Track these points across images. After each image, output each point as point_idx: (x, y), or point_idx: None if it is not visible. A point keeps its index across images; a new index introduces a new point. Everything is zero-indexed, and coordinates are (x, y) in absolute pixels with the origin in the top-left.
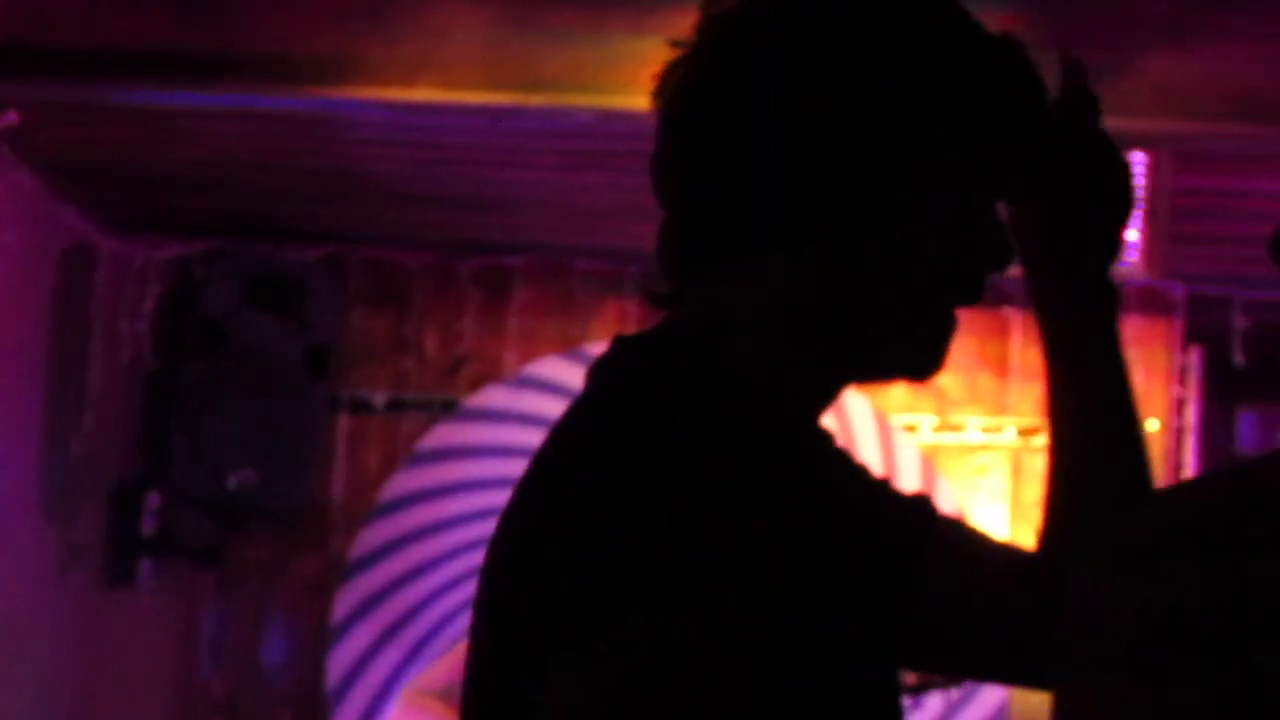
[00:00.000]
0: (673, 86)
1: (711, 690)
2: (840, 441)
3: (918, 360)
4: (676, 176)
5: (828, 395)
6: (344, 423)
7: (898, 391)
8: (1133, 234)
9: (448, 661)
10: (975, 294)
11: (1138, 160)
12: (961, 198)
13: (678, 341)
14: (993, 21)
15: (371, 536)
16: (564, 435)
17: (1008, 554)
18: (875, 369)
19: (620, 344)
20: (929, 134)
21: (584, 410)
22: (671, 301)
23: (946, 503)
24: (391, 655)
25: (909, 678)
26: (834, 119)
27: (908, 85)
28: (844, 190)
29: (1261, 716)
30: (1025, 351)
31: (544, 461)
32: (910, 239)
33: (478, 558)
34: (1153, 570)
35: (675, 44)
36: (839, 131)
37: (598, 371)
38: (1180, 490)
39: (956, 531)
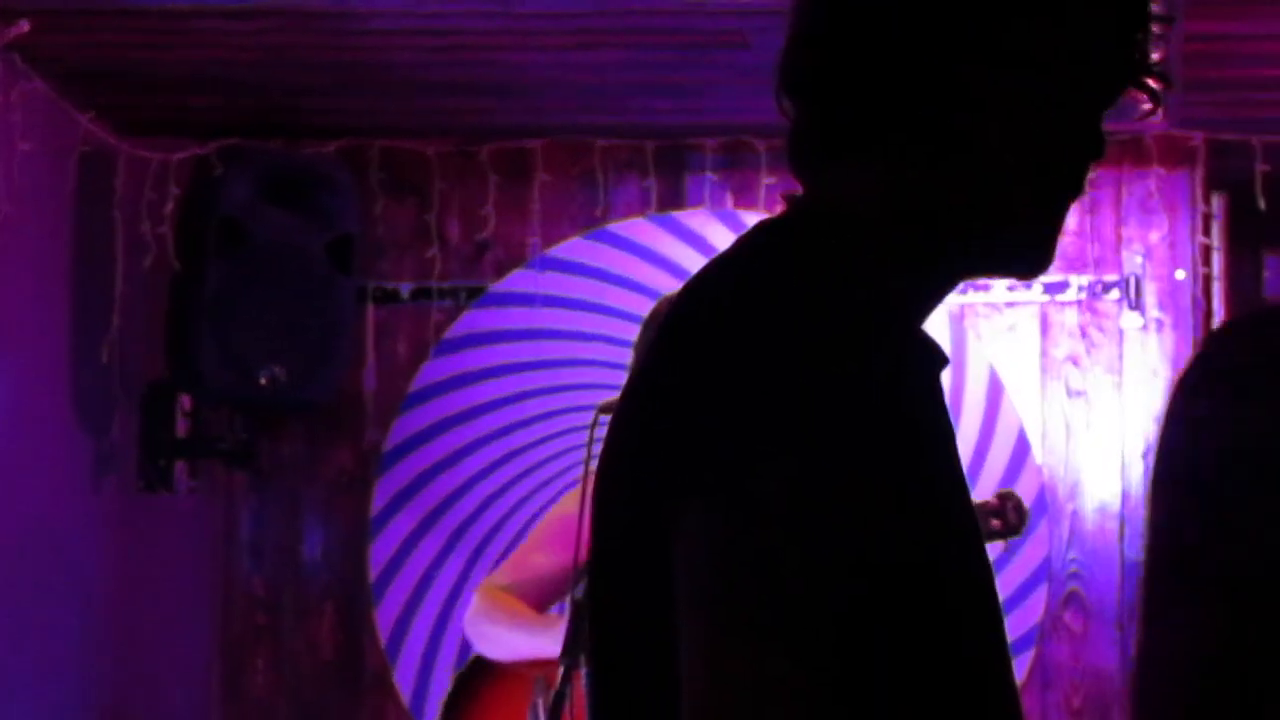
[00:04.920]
0: None
1: (829, 543)
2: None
3: (1022, 256)
4: (783, 75)
5: (937, 290)
6: (371, 314)
7: None
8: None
9: (515, 558)
10: (1076, 186)
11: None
12: (1052, 90)
13: (794, 230)
14: None
15: (405, 426)
16: (693, 306)
17: None
18: (979, 264)
19: (755, 228)
20: (1005, 23)
21: (711, 287)
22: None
23: (977, 362)
24: (431, 544)
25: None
26: (905, 11)
27: None
28: (922, 84)
29: None
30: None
31: (670, 337)
32: (1000, 132)
33: (512, 441)
34: (1245, 395)
35: None
36: (911, 23)
37: (727, 253)
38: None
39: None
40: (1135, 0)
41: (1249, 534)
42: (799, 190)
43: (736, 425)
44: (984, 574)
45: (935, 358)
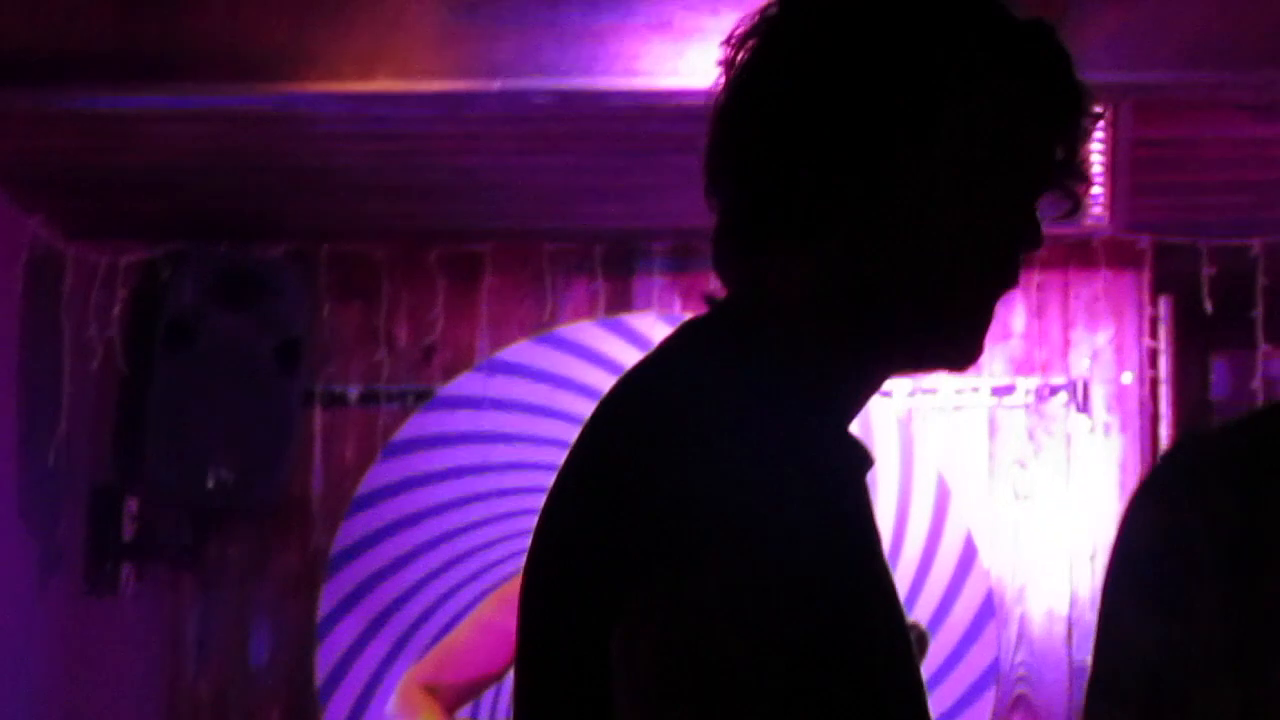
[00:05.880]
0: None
1: (766, 636)
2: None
3: (952, 349)
4: (708, 170)
5: (867, 386)
6: (319, 417)
7: None
8: (1096, 188)
9: (437, 656)
10: (1009, 278)
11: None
12: (983, 178)
13: (722, 327)
14: None
15: (352, 529)
16: (619, 409)
17: None
18: (910, 358)
19: (682, 327)
20: (936, 111)
21: (637, 391)
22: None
23: (924, 466)
24: (378, 647)
25: None
26: (831, 100)
27: (905, 70)
28: (850, 173)
29: None
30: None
31: (600, 435)
32: (930, 222)
33: (459, 545)
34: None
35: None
36: (837, 111)
37: (655, 353)
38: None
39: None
40: (1068, 91)
41: None
42: (721, 292)
43: (667, 524)
44: (909, 672)
45: (861, 458)
